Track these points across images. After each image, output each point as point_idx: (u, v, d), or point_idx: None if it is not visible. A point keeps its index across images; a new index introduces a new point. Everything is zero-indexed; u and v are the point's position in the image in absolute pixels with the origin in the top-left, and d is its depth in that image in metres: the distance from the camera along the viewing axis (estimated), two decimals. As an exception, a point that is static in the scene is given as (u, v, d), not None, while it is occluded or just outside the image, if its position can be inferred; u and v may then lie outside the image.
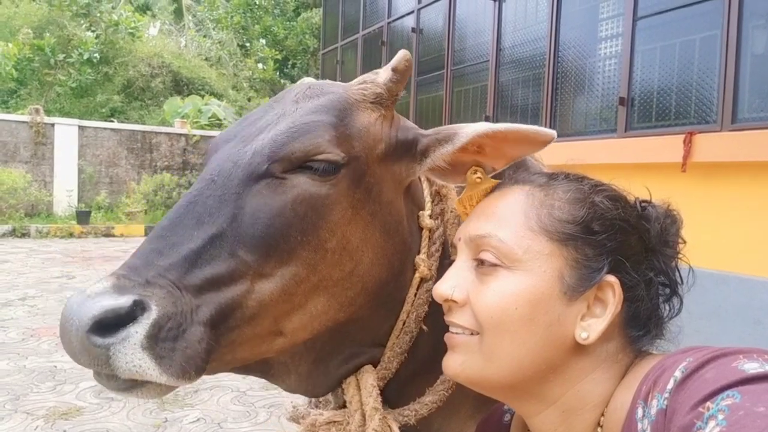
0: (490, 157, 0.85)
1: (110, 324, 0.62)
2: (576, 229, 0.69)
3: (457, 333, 0.72)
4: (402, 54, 0.87)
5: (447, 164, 0.87)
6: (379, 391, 0.85)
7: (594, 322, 0.67)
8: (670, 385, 0.57)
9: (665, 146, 4.50)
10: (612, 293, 0.67)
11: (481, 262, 0.71)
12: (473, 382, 0.72)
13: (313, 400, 0.99)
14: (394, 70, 0.87)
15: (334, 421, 0.84)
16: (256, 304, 0.73)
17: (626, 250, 0.70)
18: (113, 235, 11.10)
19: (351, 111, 0.83)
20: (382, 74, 0.89)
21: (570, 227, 0.69)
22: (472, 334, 0.71)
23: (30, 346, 4.36)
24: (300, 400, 0.91)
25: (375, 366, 0.89)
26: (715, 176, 4.30)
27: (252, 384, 3.73)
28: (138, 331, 0.63)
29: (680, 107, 4.68)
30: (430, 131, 0.91)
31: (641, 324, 0.70)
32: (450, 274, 0.74)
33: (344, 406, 0.86)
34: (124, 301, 0.63)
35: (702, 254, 4.26)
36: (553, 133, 0.84)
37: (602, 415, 0.67)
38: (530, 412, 0.72)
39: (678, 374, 0.57)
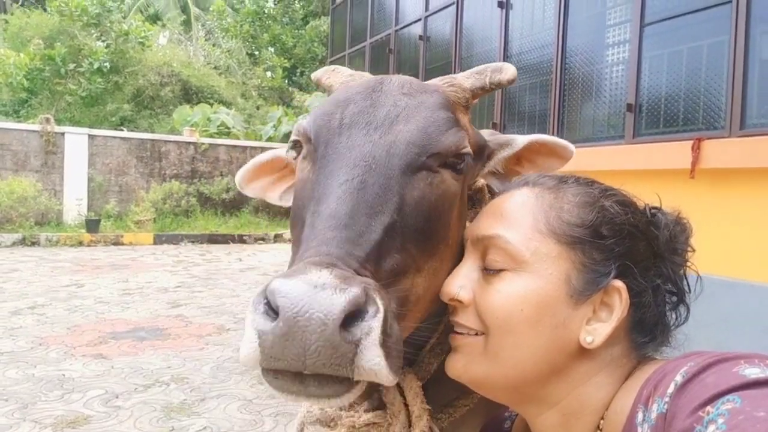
0: (525, 168, 0.92)
1: (351, 319, 0.57)
2: (584, 233, 0.69)
3: (461, 333, 0.72)
4: (510, 70, 0.90)
5: (502, 169, 0.92)
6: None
7: (599, 326, 0.67)
8: (671, 389, 0.57)
9: (673, 152, 4.48)
10: (619, 298, 0.67)
11: (488, 262, 0.71)
12: (476, 382, 0.72)
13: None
14: (486, 77, 0.90)
15: (374, 423, 0.81)
16: (414, 299, 0.72)
17: (634, 255, 0.70)
18: (122, 244, 11.16)
19: (455, 110, 0.85)
20: (468, 79, 0.90)
21: (578, 230, 0.69)
22: (476, 334, 0.71)
23: (38, 354, 4.38)
24: (314, 408, 0.89)
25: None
26: (723, 182, 4.27)
27: (259, 392, 3.72)
28: (375, 326, 0.57)
29: (688, 113, 4.65)
30: (486, 137, 0.95)
31: (647, 330, 0.71)
32: (456, 273, 0.74)
33: (378, 408, 0.84)
34: (359, 293, 0.57)
35: (711, 261, 4.25)
36: (574, 150, 0.93)
37: (602, 418, 0.67)
38: (531, 413, 0.72)
39: (679, 378, 0.57)
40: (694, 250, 0.78)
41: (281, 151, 0.97)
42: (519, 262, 0.68)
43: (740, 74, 4.18)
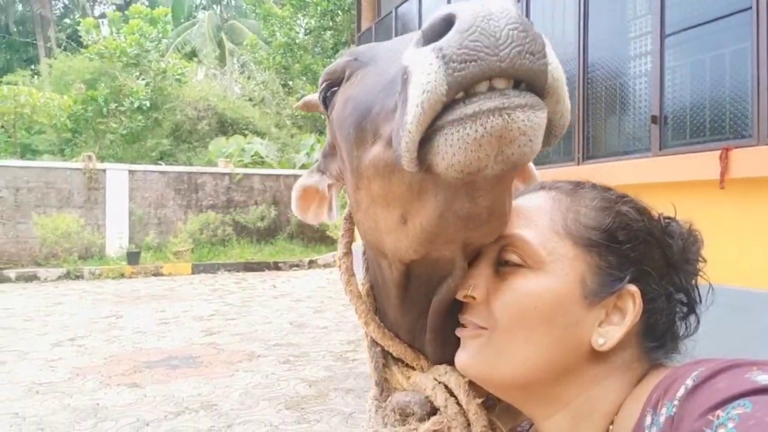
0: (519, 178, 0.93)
1: None
2: (601, 236, 0.69)
3: (469, 328, 0.73)
4: None
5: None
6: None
7: (611, 330, 0.67)
8: (681, 392, 0.56)
9: (701, 163, 4.37)
10: (632, 302, 0.68)
11: (504, 262, 0.72)
12: (482, 378, 0.71)
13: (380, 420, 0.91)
14: None
15: (435, 430, 0.80)
16: None
17: (648, 262, 0.70)
18: (162, 274, 11.46)
19: None
20: None
21: (595, 234, 0.69)
22: (483, 329, 0.71)
23: (75, 384, 4.52)
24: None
25: None
26: (755, 192, 4.14)
27: (285, 418, 3.75)
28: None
29: (714, 123, 4.55)
30: None
31: (658, 336, 0.71)
32: (470, 273, 0.73)
33: (431, 414, 0.82)
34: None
35: (748, 274, 4.12)
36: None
37: (611, 423, 0.67)
38: (540, 415, 0.72)
39: (689, 383, 0.57)
40: (705, 261, 0.78)
41: (305, 180, 0.95)
42: (536, 262, 0.69)
43: (765, 81, 4.08)
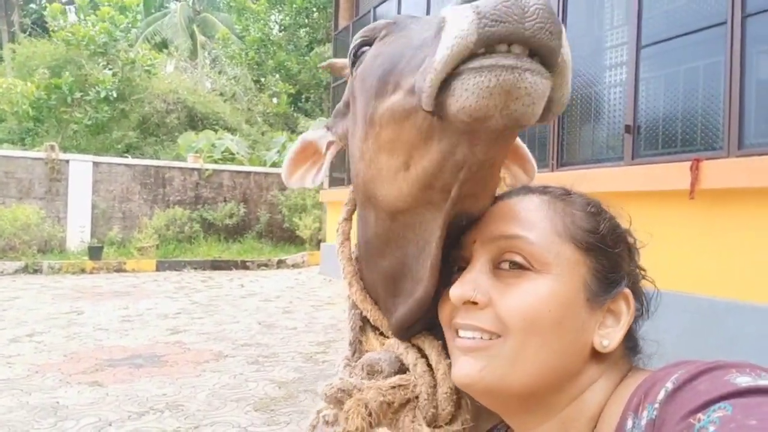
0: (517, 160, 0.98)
1: None
2: (598, 240, 0.71)
3: (473, 337, 0.69)
4: None
5: None
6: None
7: (610, 332, 0.68)
8: (661, 395, 0.56)
9: (672, 173, 4.45)
10: (625, 304, 0.70)
11: (504, 265, 0.70)
12: (491, 390, 0.68)
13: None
14: None
15: (400, 385, 0.81)
16: None
17: (630, 264, 0.74)
18: (125, 271, 11.14)
19: None
20: None
21: (592, 237, 0.71)
22: (491, 338, 0.68)
23: (34, 382, 4.34)
24: (334, 381, 0.85)
25: None
26: (723, 203, 4.23)
27: (253, 419, 3.66)
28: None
29: (686, 134, 4.64)
30: None
31: (634, 336, 0.73)
32: (468, 276, 0.72)
33: (399, 373, 0.84)
34: None
35: (715, 282, 4.19)
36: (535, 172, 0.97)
37: (595, 427, 0.66)
38: (531, 424, 0.70)
39: (669, 385, 0.56)
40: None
41: (309, 134, 0.96)
42: (542, 264, 0.68)
43: (737, 94, 4.17)
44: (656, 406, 0.56)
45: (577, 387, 0.68)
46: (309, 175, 0.96)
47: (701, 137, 4.53)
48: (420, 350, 0.83)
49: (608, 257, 0.71)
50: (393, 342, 0.86)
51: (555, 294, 0.67)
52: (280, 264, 12.61)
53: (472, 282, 0.70)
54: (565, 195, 0.76)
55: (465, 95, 0.56)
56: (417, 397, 0.81)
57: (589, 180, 4.80)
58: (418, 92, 0.60)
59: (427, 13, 7.97)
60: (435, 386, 0.80)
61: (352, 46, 0.82)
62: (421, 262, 0.76)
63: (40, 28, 22.76)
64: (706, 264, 4.30)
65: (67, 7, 26.93)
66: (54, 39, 16.01)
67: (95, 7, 17.81)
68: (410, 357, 0.83)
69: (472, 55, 0.56)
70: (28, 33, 22.67)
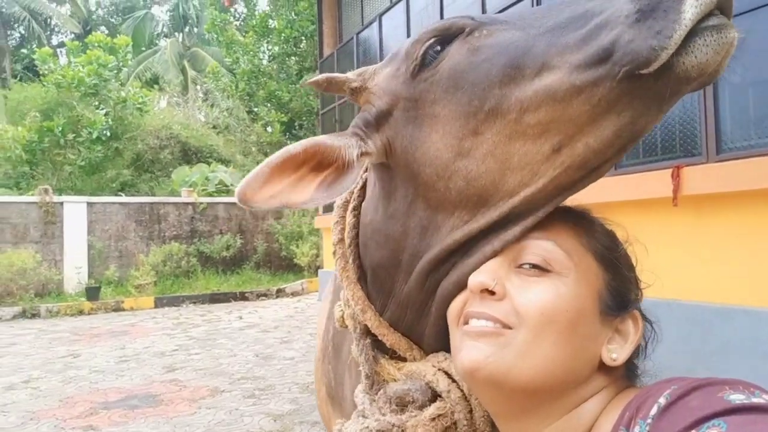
0: None
1: None
2: (615, 258, 0.74)
3: (485, 325, 0.69)
4: None
5: None
6: None
7: (618, 348, 0.70)
8: (654, 411, 0.56)
9: (655, 181, 4.47)
10: (634, 324, 0.72)
11: (529, 265, 0.72)
12: (494, 379, 0.67)
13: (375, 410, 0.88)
14: None
15: (439, 415, 0.80)
16: None
17: (638, 294, 0.76)
18: (123, 309, 11.11)
19: None
20: None
21: (610, 254, 0.74)
22: (504, 328, 0.69)
23: (28, 430, 4.31)
24: (369, 422, 0.85)
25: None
26: (707, 208, 4.24)
27: None
28: None
29: (666, 142, 4.67)
30: None
31: (634, 362, 0.75)
32: (488, 266, 0.73)
33: (432, 401, 0.82)
34: None
35: (704, 288, 4.17)
36: None
37: None
38: (532, 427, 0.70)
39: (662, 401, 0.57)
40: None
41: (325, 138, 0.81)
42: (565, 268, 0.70)
43: (711, 100, 4.21)
44: (648, 421, 0.56)
45: (579, 396, 0.69)
46: (308, 187, 0.80)
47: (680, 144, 4.55)
48: (448, 374, 0.82)
49: (622, 278, 0.73)
50: (416, 368, 0.84)
51: (574, 296, 0.68)
52: (280, 293, 12.57)
53: (492, 272, 0.72)
54: (586, 214, 0.79)
55: (705, 50, 0.60)
56: (455, 424, 0.81)
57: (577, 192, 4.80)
58: (643, 53, 0.61)
59: (408, 36, 8.06)
60: (471, 411, 0.80)
61: (422, 43, 0.79)
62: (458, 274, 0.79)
63: (31, 72, 23.01)
64: (694, 270, 4.29)
65: (58, 50, 27.30)
66: (45, 83, 16.18)
67: (85, 49, 18.02)
68: (442, 384, 0.81)
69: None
70: (19, 78, 22.90)
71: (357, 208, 0.94)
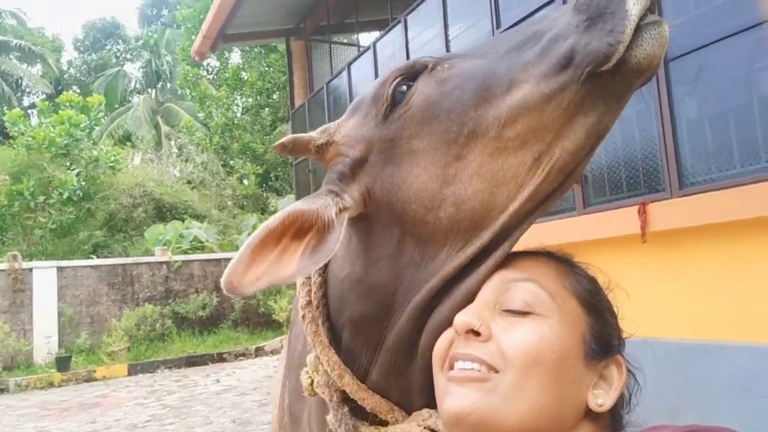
0: None
1: None
2: (597, 301, 0.74)
3: (470, 369, 0.68)
4: None
5: None
6: None
7: (603, 393, 0.69)
8: None
9: (623, 218, 4.45)
10: (618, 371, 0.71)
11: (510, 304, 0.71)
12: (482, 425, 0.66)
13: None
14: None
15: None
16: None
17: (621, 343, 0.75)
18: (95, 379, 10.65)
19: None
20: None
21: (592, 297, 0.74)
22: (489, 371, 0.68)
23: None
24: None
25: None
26: (676, 243, 4.21)
27: None
28: None
29: (631, 179, 4.66)
30: None
31: (618, 411, 0.74)
32: (473, 307, 0.73)
33: None
34: None
35: (679, 325, 4.09)
36: None
37: None
38: None
39: None
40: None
41: (300, 204, 0.77)
42: (549, 309, 0.70)
43: (671, 137, 4.23)
44: None
45: None
46: (293, 257, 0.76)
47: (644, 181, 4.55)
48: None
49: (605, 322, 0.73)
50: (401, 430, 0.81)
51: (559, 337, 0.68)
52: (259, 351, 12.22)
53: (477, 313, 0.71)
54: (568, 260, 0.79)
55: (650, 43, 0.67)
56: None
57: (545, 232, 4.74)
58: (598, 52, 0.67)
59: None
60: None
61: (389, 84, 0.82)
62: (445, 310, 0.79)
63: (1, 135, 22.84)
64: (668, 306, 4.23)
65: (29, 111, 27.19)
66: (14, 145, 16.00)
67: (57, 109, 17.94)
68: None
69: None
70: (-12, 143, 22.69)
71: (323, 266, 0.91)
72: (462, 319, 0.71)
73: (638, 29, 0.67)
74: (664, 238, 4.25)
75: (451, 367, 0.70)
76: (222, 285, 0.73)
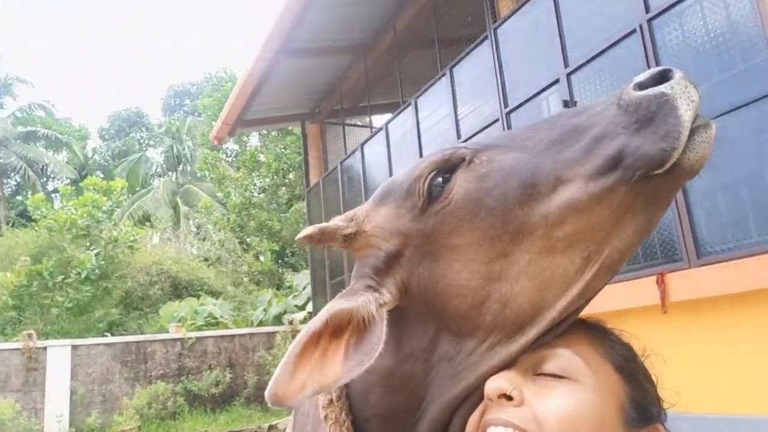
0: None
1: None
2: (633, 367, 0.73)
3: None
4: None
5: None
6: None
7: None
8: None
9: (642, 289, 4.41)
10: None
11: (545, 370, 0.71)
12: None
13: None
14: None
15: None
16: None
17: (662, 412, 0.74)
18: (104, 459, 10.42)
19: None
20: None
21: (628, 364, 0.73)
22: None
23: None
24: None
25: None
26: (697, 314, 4.16)
27: None
28: None
29: (647, 249, 4.66)
30: None
31: None
32: (504, 373, 0.72)
33: None
34: None
35: (707, 398, 3.97)
36: None
37: None
38: None
39: None
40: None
41: (340, 303, 0.76)
42: (584, 376, 0.69)
43: (684, 207, 4.26)
44: None
45: None
46: (337, 357, 0.74)
47: (661, 251, 4.55)
48: None
49: (642, 390, 0.72)
50: None
51: (595, 404, 0.67)
52: (272, 430, 11.88)
53: (509, 378, 0.70)
54: (601, 326, 0.79)
55: (702, 146, 0.67)
56: None
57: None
58: (651, 157, 0.67)
59: (389, 162, 8.36)
60: None
61: (423, 179, 0.80)
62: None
63: (24, 219, 23.44)
64: (696, 379, 4.11)
65: (53, 195, 28.02)
66: (36, 228, 16.39)
67: (80, 193, 18.50)
68: None
69: None
70: (12, 224, 23.26)
71: None
72: (494, 384, 0.70)
73: (691, 132, 0.67)
74: (684, 308, 4.21)
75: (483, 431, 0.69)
76: (267, 398, 0.69)
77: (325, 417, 0.85)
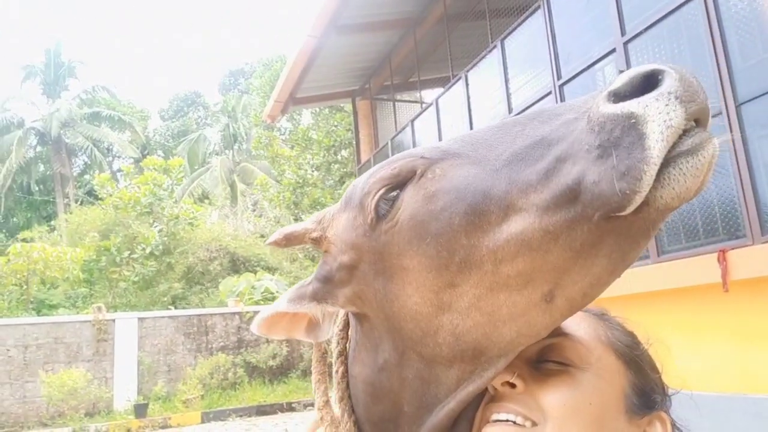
0: None
1: None
2: (636, 356, 0.73)
3: (506, 420, 0.68)
4: None
5: None
6: None
7: None
8: None
9: (701, 267, 4.25)
10: (662, 426, 0.70)
11: (549, 363, 0.71)
12: None
13: None
14: None
15: None
16: None
17: (665, 399, 0.74)
18: (170, 426, 10.96)
19: None
20: None
21: (631, 353, 0.73)
22: (526, 422, 0.67)
23: None
24: None
25: None
26: (761, 292, 3.97)
27: None
28: None
29: (708, 225, 4.48)
30: None
31: None
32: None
33: None
34: None
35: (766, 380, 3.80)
36: None
37: None
38: None
39: None
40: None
41: (283, 305, 0.82)
42: (586, 363, 0.69)
43: (748, 181, 4.06)
44: None
45: None
46: (298, 329, 0.85)
47: (722, 227, 4.36)
48: None
49: (645, 377, 0.72)
50: None
51: (597, 389, 0.67)
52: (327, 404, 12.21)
53: (511, 367, 0.69)
54: (603, 314, 0.78)
55: (682, 180, 0.53)
56: None
57: (617, 283, 4.63)
58: (612, 196, 0.53)
59: (440, 138, 8.28)
60: None
61: (372, 195, 0.72)
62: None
63: (92, 197, 24.61)
64: (755, 360, 3.95)
65: (118, 173, 29.27)
66: (103, 205, 17.21)
67: (141, 172, 19.28)
68: None
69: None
70: (81, 202, 24.47)
71: (343, 353, 0.86)
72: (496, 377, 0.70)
73: (666, 163, 0.53)
74: (747, 287, 4.03)
75: (487, 421, 0.69)
76: (252, 327, 0.84)
77: (321, 418, 0.84)
